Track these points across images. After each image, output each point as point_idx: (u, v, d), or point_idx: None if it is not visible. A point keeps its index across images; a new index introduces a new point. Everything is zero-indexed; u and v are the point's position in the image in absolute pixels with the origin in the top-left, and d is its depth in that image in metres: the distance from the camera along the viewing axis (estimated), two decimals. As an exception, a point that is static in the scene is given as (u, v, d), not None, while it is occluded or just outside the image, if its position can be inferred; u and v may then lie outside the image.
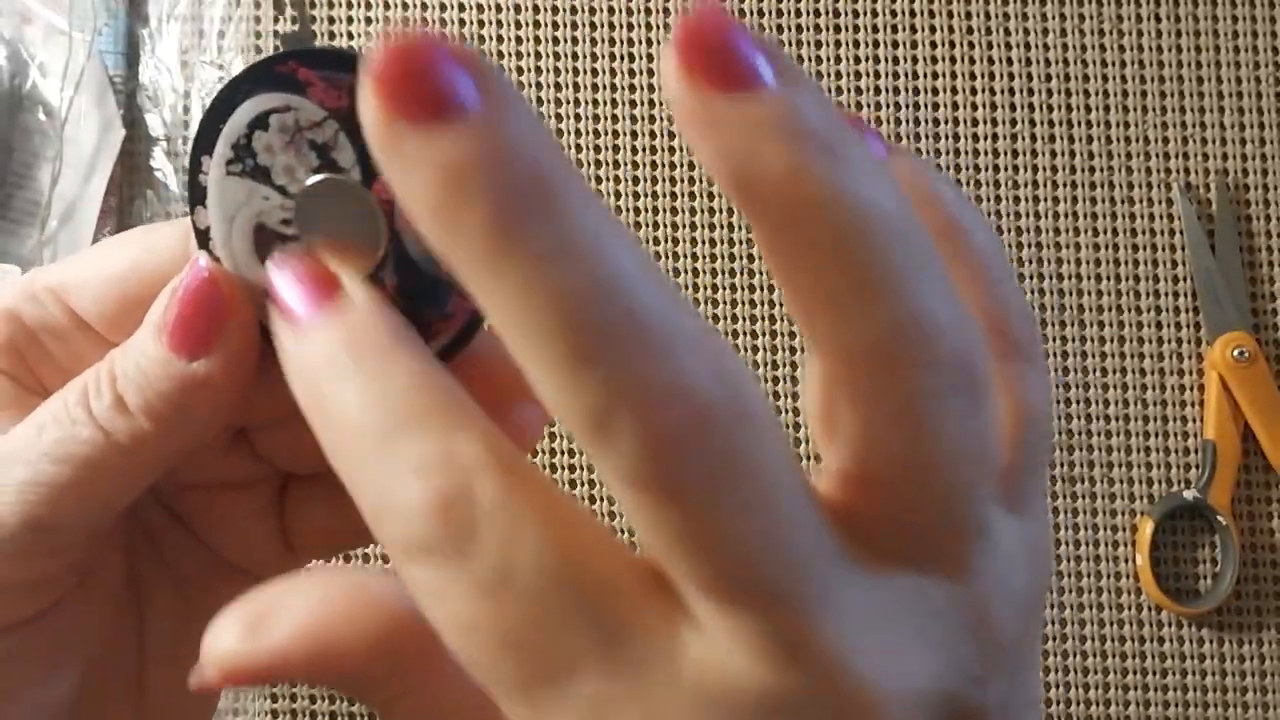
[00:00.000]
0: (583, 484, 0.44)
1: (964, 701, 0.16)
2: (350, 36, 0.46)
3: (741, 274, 0.45)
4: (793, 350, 0.45)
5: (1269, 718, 0.44)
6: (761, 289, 0.45)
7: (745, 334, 0.45)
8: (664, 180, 0.46)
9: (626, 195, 0.46)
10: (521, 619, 0.15)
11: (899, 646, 0.16)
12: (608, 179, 0.46)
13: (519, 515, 0.16)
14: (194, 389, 0.21)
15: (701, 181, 0.46)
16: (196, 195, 0.21)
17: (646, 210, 0.46)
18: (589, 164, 0.46)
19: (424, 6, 0.46)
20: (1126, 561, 0.44)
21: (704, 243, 0.45)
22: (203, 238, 0.21)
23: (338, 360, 0.17)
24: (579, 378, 0.15)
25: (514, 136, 0.15)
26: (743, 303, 0.45)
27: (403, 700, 0.18)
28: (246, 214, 0.21)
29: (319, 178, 0.21)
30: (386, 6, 0.46)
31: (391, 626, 0.18)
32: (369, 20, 0.46)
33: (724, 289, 0.45)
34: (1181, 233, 0.46)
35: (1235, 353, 0.44)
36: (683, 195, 0.46)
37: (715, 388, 0.15)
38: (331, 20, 0.46)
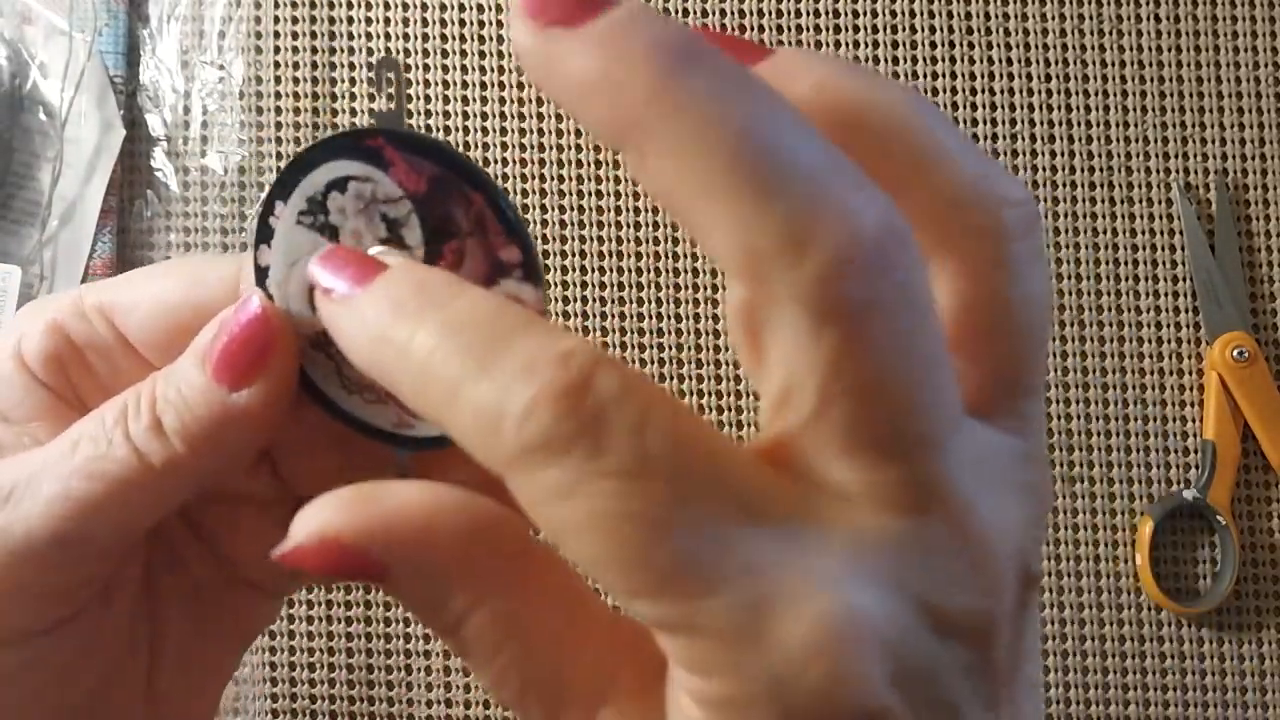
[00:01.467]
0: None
1: (1031, 558, 0.17)
2: (350, 37, 0.46)
3: (741, 274, 0.45)
4: (792, 350, 0.45)
5: (1269, 717, 0.44)
6: (761, 289, 0.45)
7: (745, 334, 0.45)
8: (664, 180, 0.46)
9: (626, 195, 0.46)
10: (667, 502, 0.15)
11: (1000, 500, 0.17)
12: (608, 179, 0.46)
13: (645, 399, 0.16)
14: (232, 419, 0.21)
15: (701, 181, 0.46)
16: (263, 234, 0.22)
17: (646, 210, 0.46)
18: (589, 163, 0.46)
19: (424, 7, 0.46)
20: (1126, 561, 0.45)
21: (704, 243, 0.45)
22: (260, 274, 0.22)
23: (405, 307, 0.18)
24: (769, 200, 0.15)
25: (653, 17, 0.16)
26: (743, 303, 0.45)
27: (478, 611, 0.17)
28: (308, 262, 0.22)
29: (384, 249, 0.22)
30: (387, 7, 0.46)
31: (491, 519, 0.18)
32: (369, 20, 0.46)
33: (724, 289, 0.45)
34: (1181, 233, 0.46)
35: (1235, 353, 0.44)
36: (683, 195, 0.46)
37: (893, 212, 0.15)
38: (332, 21, 0.46)
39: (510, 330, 0.17)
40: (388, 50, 0.46)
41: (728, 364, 0.45)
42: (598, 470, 0.15)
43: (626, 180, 0.46)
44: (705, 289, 0.45)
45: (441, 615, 0.17)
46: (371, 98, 0.46)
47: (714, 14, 0.46)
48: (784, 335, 0.16)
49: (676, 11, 0.46)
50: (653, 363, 0.45)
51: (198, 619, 0.26)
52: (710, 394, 0.45)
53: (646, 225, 0.46)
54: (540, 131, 0.46)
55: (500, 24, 0.46)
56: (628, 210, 0.46)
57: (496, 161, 0.46)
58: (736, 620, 0.15)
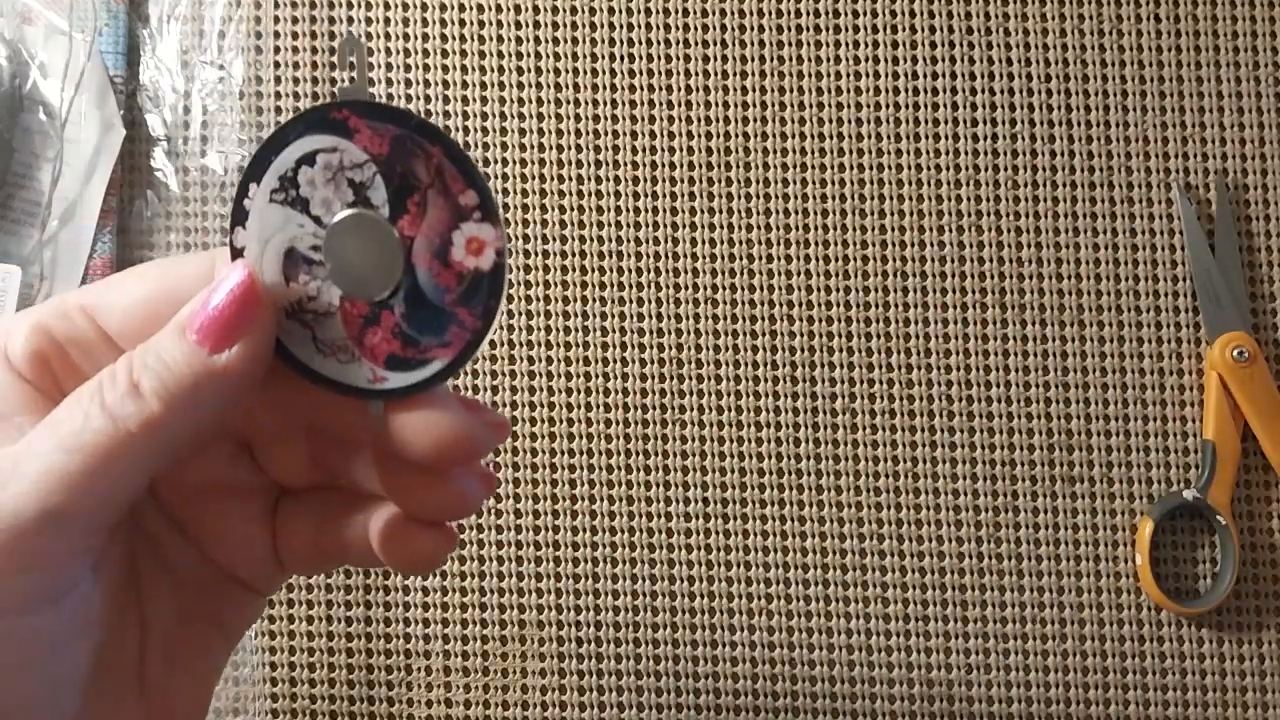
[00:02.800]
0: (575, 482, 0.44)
1: None
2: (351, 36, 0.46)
3: (741, 274, 0.45)
4: (792, 350, 0.45)
5: (1269, 718, 0.44)
6: (761, 289, 0.45)
7: (745, 334, 0.45)
8: (664, 180, 0.46)
9: (626, 195, 0.46)
10: None
11: None
12: (608, 179, 0.46)
13: None
14: (211, 377, 0.23)
15: (701, 182, 0.46)
16: (238, 217, 0.24)
17: (646, 210, 0.46)
18: (589, 164, 0.46)
19: (424, 7, 0.46)
20: (1126, 561, 0.45)
21: (704, 243, 0.45)
22: (236, 254, 0.24)
23: None
24: None
25: None
26: (743, 303, 0.45)
27: None
28: (281, 238, 0.24)
29: (351, 211, 0.23)
30: (387, 7, 0.46)
31: None
32: (369, 20, 0.46)
33: (724, 289, 0.45)
34: (1181, 233, 0.46)
35: (1235, 353, 0.44)
36: (683, 195, 0.46)
37: None
38: (332, 21, 0.46)
39: None
40: (387, 50, 0.46)
41: (727, 364, 0.45)
42: None
43: (626, 180, 0.46)
44: (705, 289, 0.45)
45: None
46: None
47: (714, 14, 0.46)
48: None
49: (676, 11, 0.46)
50: (652, 363, 0.45)
51: (184, 614, 0.27)
52: (710, 394, 0.45)
53: (646, 225, 0.46)
54: (540, 131, 0.46)
55: (501, 24, 0.46)
56: (628, 210, 0.46)
57: (496, 161, 0.46)
58: None
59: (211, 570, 0.27)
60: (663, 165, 0.46)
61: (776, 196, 0.46)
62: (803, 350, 0.45)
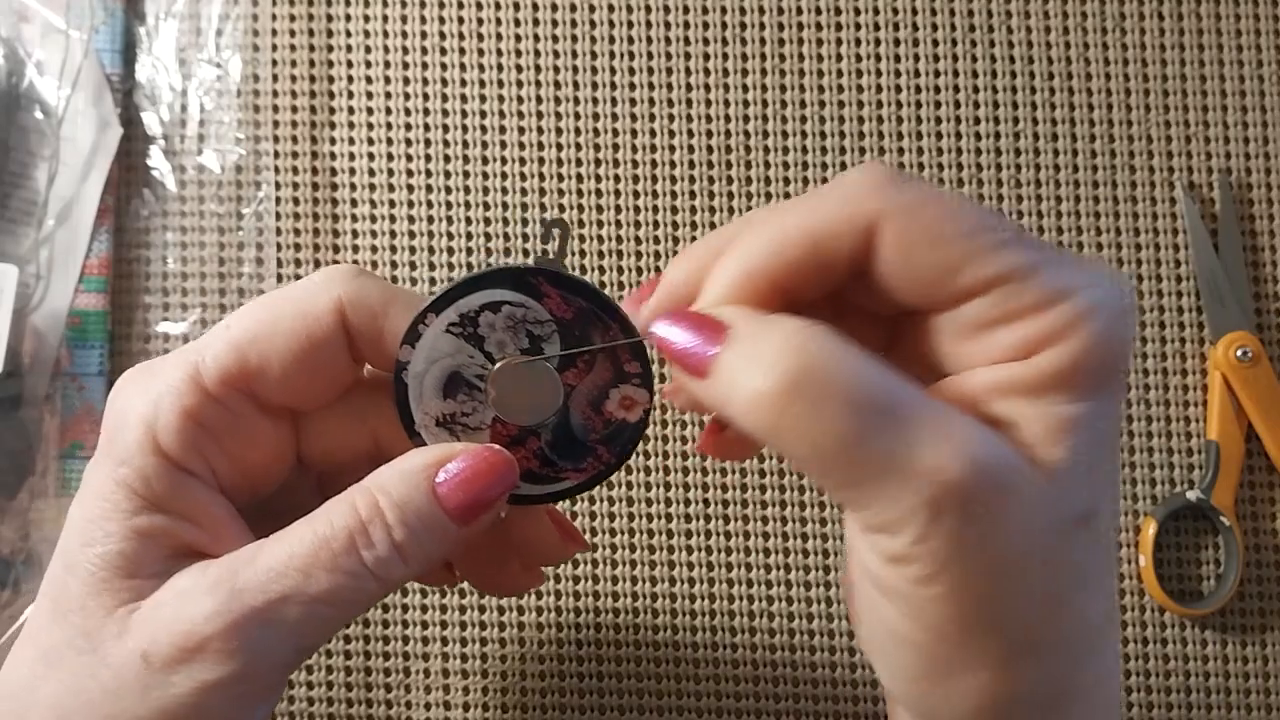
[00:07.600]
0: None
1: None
2: (348, 34, 0.46)
3: (742, 273, 0.45)
4: (793, 350, 0.45)
5: (1272, 720, 0.44)
6: (762, 288, 0.45)
7: (746, 334, 0.45)
8: (664, 179, 0.46)
9: (626, 194, 0.45)
10: None
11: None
12: (607, 178, 0.45)
13: None
14: (456, 543, 0.27)
15: (702, 180, 0.46)
16: (411, 337, 0.27)
17: (646, 210, 0.45)
18: (589, 162, 0.46)
19: (423, 4, 0.46)
20: (1129, 563, 0.44)
21: (704, 242, 0.45)
22: (400, 366, 0.27)
23: None
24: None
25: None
26: (743, 302, 0.45)
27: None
28: (448, 362, 0.27)
29: (526, 357, 0.27)
30: (386, 5, 0.46)
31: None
32: (366, 19, 0.46)
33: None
34: (1185, 232, 0.46)
35: (1238, 353, 0.44)
36: (683, 194, 0.45)
37: None
38: (330, 19, 0.46)
39: None
40: (386, 48, 0.46)
41: (728, 364, 0.45)
42: None
43: (626, 179, 0.46)
44: (706, 288, 0.45)
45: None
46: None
47: (714, 10, 0.46)
48: None
49: (677, 9, 0.46)
50: (653, 362, 0.45)
51: None
52: (711, 394, 0.44)
53: (646, 225, 0.45)
54: (540, 130, 0.46)
55: (500, 22, 0.46)
56: (628, 209, 0.45)
57: (495, 159, 0.45)
58: None
59: None
60: (663, 164, 0.46)
61: (778, 195, 0.46)
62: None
